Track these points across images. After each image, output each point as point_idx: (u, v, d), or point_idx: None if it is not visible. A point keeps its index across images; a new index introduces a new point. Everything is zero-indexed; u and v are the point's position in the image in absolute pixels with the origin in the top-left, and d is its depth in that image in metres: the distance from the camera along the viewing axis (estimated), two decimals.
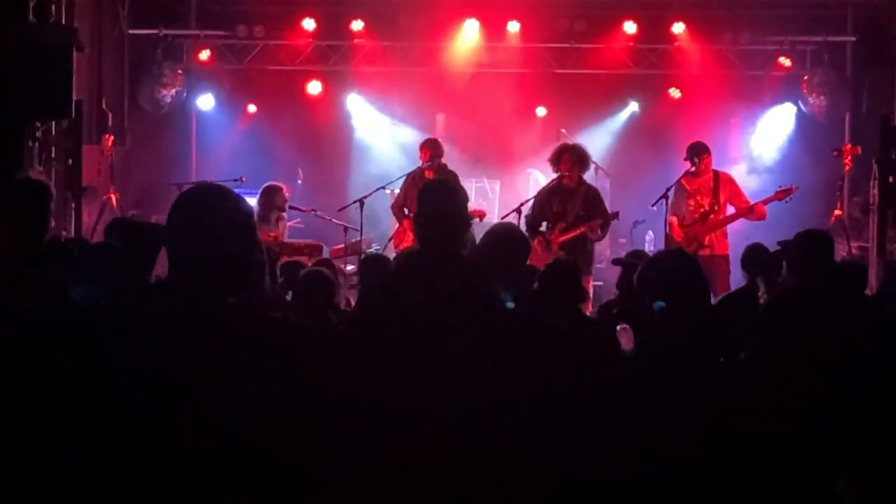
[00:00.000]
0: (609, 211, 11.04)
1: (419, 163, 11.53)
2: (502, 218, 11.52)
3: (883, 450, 5.43)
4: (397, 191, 12.02)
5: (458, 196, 4.59)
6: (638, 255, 7.93)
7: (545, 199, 10.91)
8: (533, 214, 10.86)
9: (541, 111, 15.35)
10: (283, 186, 12.25)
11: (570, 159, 10.80)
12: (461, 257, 4.51)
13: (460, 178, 10.89)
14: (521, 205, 11.15)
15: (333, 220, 12.41)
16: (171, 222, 3.32)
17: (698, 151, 11.19)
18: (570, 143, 11.84)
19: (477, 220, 11.35)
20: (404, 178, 11.80)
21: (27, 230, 4.89)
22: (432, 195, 4.58)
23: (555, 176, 10.91)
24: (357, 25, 15.01)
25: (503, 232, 5.63)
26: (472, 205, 12.11)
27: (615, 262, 8.54)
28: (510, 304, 4.46)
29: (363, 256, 10.16)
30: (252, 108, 15.63)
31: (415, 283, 4.40)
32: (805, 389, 4.95)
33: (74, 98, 10.09)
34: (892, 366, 5.43)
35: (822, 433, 4.98)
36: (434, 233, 4.45)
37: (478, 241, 5.25)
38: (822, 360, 4.99)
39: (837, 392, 5.05)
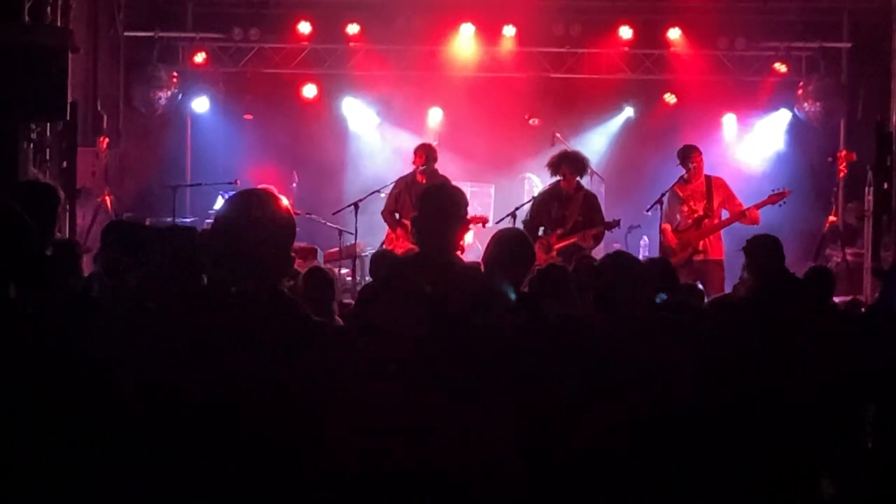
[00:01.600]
0: (605, 217, 11.05)
1: (413, 167, 11.55)
2: (497, 222, 11.52)
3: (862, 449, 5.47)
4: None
5: (457, 200, 4.58)
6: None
7: (543, 204, 10.91)
8: (531, 219, 10.84)
9: (536, 119, 15.28)
10: (280, 192, 12.22)
11: (569, 165, 10.81)
12: (458, 259, 4.51)
13: (455, 183, 10.87)
14: (517, 209, 11.16)
15: (328, 223, 12.41)
16: (223, 220, 3.64)
17: (688, 154, 11.17)
18: (569, 149, 11.83)
19: (480, 226, 11.45)
20: (394, 183, 11.78)
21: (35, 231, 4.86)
22: (433, 198, 4.58)
23: (551, 180, 10.92)
24: (352, 29, 15.00)
25: (509, 237, 5.61)
26: (471, 210, 12.12)
27: None
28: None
29: (373, 253, 10.06)
30: (248, 116, 15.57)
31: (411, 285, 4.39)
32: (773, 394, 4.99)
33: (69, 100, 10.08)
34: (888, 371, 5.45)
35: (798, 437, 5.01)
36: (432, 235, 4.44)
37: (479, 246, 5.26)
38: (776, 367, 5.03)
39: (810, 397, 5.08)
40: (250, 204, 3.65)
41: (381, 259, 7.77)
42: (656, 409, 4.70)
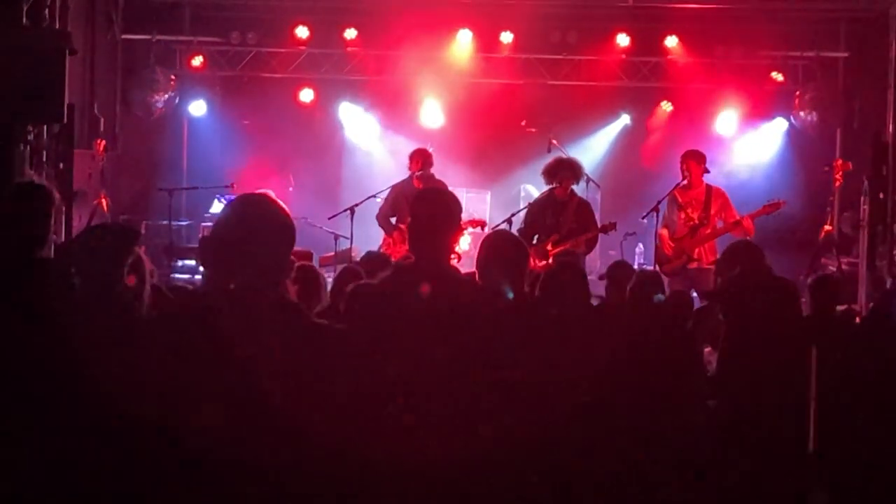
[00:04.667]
0: (599, 223, 11.07)
1: (409, 172, 11.55)
2: (493, 228, 11.53)
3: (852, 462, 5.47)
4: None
5: (452, 205, 4.58)
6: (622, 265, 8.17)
7: (537, 211, 10.94)
8: (525, 227, 10.87)
9: (533, 125, 15.28)
10: (276, 197, 12.23)
11: (564, 172, 10.83)
12: (450, 266, 4.51)
13: (451, 188, 10.88)
14: (513, 215, 11.18)
15: (324, 227, 12.41)
16: (223, 224, 3.68)
17: (683, 159, 11.19)
18: (564, 156, 11.85)
19: (479, 229, 11.46)
20: (390, 188, 11.77)
21: (30, 233, 4.87)
22: (427, 204, 4.57)
23: (547, 189, 10.95)
24: (350, 34, 15.01)
25: (501, 239, 5.60)
26: (467, 216, 12.12)
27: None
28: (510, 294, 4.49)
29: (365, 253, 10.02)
30: (246, 123, 15.58)
31: (405, 292, 4.39)
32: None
33: (67, 102, 10.06)
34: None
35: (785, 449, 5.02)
36: (426, 242, 4.44)
37: (476, 249, 5.27)
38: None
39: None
40: (250, 208, 3.69)
41: (374, 259, 7.73)
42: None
